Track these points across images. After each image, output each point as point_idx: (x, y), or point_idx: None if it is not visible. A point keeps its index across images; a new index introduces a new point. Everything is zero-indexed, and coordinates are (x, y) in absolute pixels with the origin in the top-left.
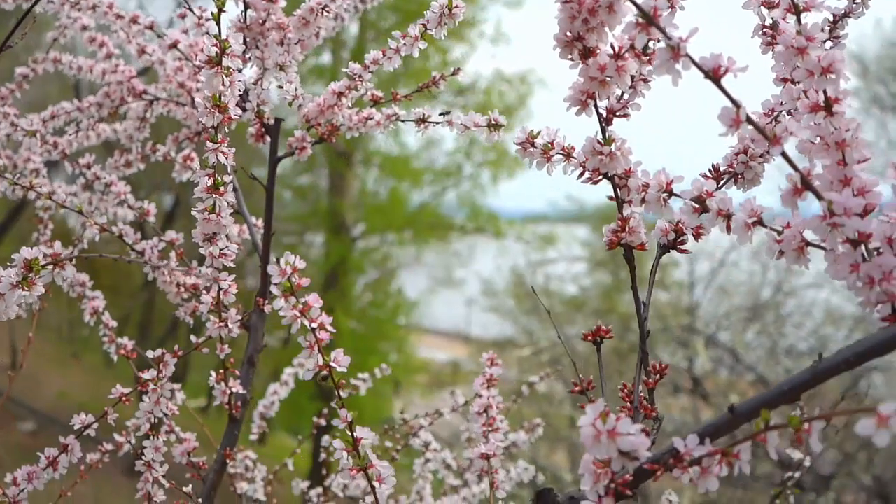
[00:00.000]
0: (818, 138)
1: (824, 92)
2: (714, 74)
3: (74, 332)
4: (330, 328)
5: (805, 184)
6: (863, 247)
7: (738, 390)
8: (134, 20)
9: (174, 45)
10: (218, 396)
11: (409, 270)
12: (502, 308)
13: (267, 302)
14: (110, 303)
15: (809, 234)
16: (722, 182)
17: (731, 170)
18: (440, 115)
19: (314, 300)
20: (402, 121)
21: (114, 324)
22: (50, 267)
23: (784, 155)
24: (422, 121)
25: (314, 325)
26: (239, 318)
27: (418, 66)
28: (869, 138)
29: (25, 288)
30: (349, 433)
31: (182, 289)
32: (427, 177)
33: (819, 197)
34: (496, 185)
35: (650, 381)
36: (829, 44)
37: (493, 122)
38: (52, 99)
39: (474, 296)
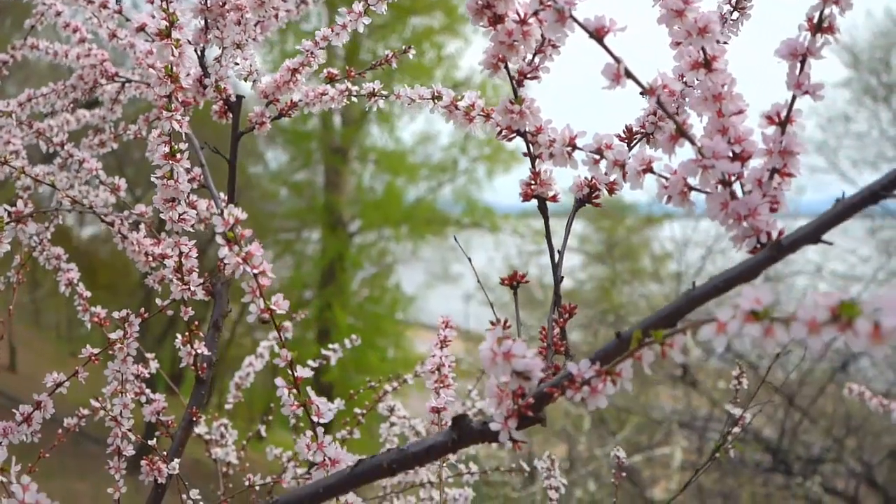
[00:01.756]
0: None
1: (703, 50)
2: (598, 34)
3: (72, 330)
4: (270, 274)
5: (680, 131)
6: (738, 187)
7: (729, 377)
8: (103, 5)
9: (142, 28)
10: (184, 358)
11: (406, 266)
12: (498, 301)
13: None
14: (108, 301)
15: (693, 181)
16: (635, 141)
17: (642, 130)
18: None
19: (256, 249)
20: (355, 95)
21: (88, 294)
22: (13, 224)
23: (660, 105)
24: (371, 94)
25: (256, 271)
26: (200, 281)
27: (413, 62)
28: (861, 129)
29: None
30: (290, 373)
31: (150, 258)
32: (423, 172)
33: (692, 142)
34: (491, 180)
35: (561, 320)
36: (735, 14)
37: (437, 94)
38: None
39: (471, 290)
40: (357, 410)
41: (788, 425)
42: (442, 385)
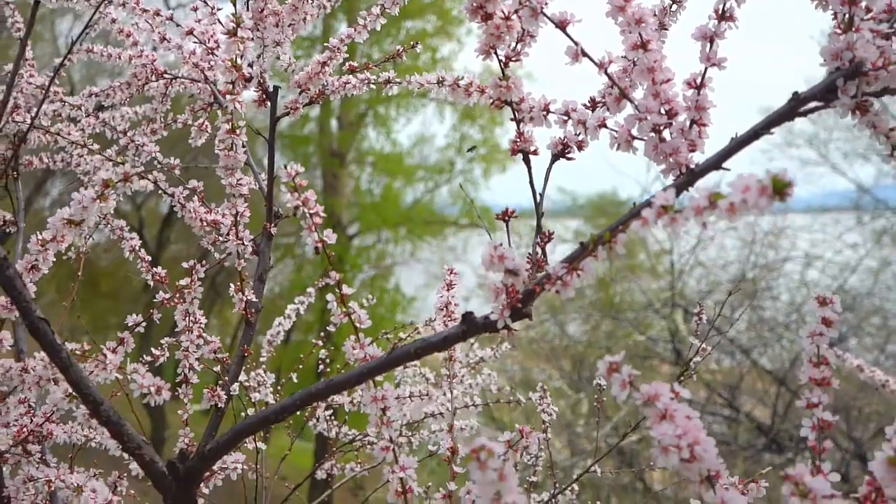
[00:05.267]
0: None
1: (640, 35)
2: (562, 25)
3: (75, 338)
4: (322, 213)
5: (622, 94)
6: (668, 135)
7: (721, 365)
8: (157, 13)
9: (190, 32)
10: (236, 304)
11: (406, 267)
12: None
13: (273, 226)
14: (111, 309)
15: (635, 132)
16: (598, 109)
17: (603, 100)
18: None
19: (311, 195)
20: (373, 83)
21: (149, 258)
22: (122, 182)
23: (608, 76)
24: (387, 82)
25: (312, 211)
26: (252, 237)
27: (409, 64)
28: (853, 121)
29: (103, 201)
30: (338, 290)
31: (204, 223)
32: (419, 174)
33: (631, 102)
34: (488, 180)
35: (542, 243)
36: (674, 7)
37: (440, 79)
38: None
39: (471, 289)
40: None
41: (780, 407)
42: (449, 319)
